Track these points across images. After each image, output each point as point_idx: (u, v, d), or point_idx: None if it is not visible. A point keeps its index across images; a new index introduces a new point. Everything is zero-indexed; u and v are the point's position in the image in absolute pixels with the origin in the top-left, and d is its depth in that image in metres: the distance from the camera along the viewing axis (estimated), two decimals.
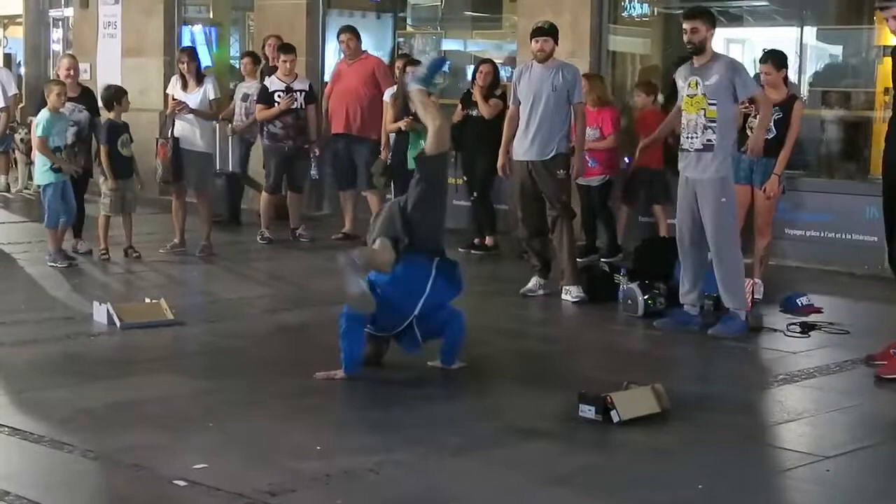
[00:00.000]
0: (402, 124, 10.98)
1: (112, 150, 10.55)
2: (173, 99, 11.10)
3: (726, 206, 8.11)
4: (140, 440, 5.62)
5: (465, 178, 11.71)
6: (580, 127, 9.37)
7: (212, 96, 11.14)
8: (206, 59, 14.86)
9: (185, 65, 11.16)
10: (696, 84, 8.15)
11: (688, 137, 8.20)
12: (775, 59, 9.27)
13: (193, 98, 11.04)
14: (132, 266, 10.62)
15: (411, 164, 10.53)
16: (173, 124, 11.03)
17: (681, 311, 8.37)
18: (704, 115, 8.09)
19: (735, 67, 8.19)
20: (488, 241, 11.61)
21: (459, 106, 11.64)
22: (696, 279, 8.30)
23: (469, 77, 12.53)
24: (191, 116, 10.99)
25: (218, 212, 12.44)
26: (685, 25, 8.20)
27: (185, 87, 11.15)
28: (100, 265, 10.53)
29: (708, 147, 8.08)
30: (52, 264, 10.26)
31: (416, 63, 11.48)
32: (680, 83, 8.35)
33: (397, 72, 11.29)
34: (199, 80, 11.18)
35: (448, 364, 7.02)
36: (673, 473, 5.35)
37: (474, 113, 11.33)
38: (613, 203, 11.36)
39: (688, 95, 8.20)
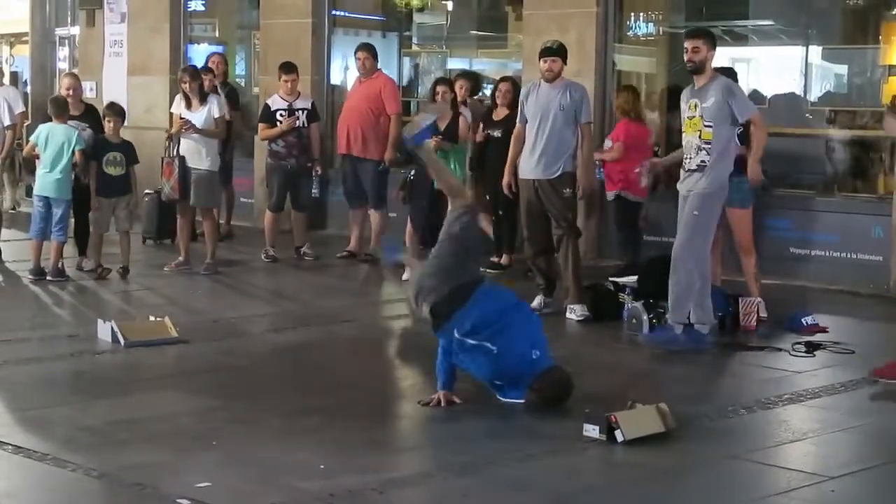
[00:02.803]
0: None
1: (97, 166, 10.62)
2: (180, 118, 11.08)
3: (696, 221, 8.23)
4: (143, 458, 5.61)
5: (487, 197, 11.64)
6: (587, 146, 9.37)
7: (216, 114, 11.11)
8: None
9: (188, 84, 11.12)
10: (695, 106, 8.30)
11: (686, 158, 8.37)
12: (727, 74, 9.17)
13: (198, 116, 11.01)
14: (136, 284, 10.61)
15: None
16: (178, 143, 11.03)
17: (664, 329, 8.47)
18: (700, 136, 8.22)
19: (731, 90, 8.28)
20: (504, 259, 11.55)
21: (480, 126, 11.47)
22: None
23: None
24: (197, 135, 10.99)
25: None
26: (686, 44, 8.35)
27: (189, 105, 11.13)
28: (105, 283, 10.52)
29: (700, 168, 8.24)
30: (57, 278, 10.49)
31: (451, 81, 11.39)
32: (682, 105, 8.47)
33: (438, 95, 10.98)
34: (203, 98, 11.18)
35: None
36: (677, 493, 5.34)
37: (495, 133, 11.25)
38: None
39: (687, 117, 8.35)
